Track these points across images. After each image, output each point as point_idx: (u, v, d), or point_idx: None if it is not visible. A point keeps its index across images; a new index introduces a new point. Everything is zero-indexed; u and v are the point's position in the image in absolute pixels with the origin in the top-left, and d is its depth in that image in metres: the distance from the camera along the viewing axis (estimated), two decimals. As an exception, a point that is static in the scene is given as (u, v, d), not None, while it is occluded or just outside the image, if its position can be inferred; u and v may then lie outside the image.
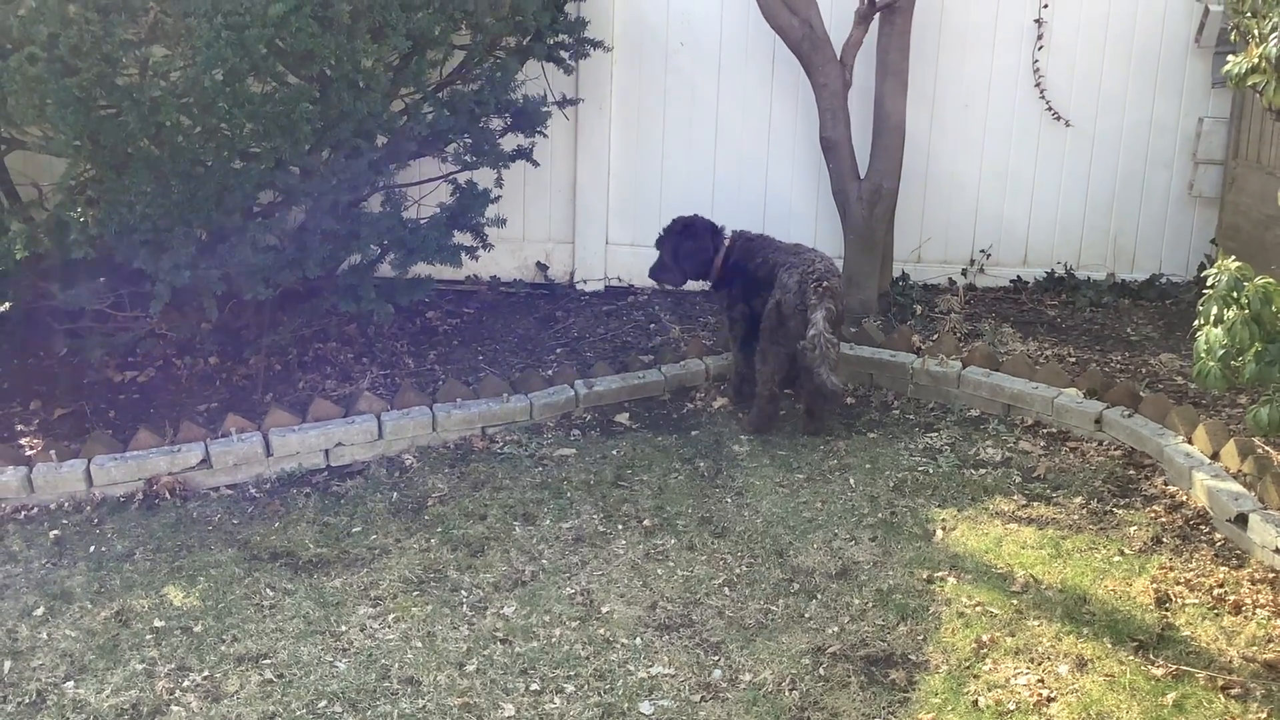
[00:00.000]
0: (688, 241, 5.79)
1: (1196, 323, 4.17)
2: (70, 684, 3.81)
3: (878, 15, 6.67)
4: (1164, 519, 4.69)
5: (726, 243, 5.79)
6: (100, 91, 4.59)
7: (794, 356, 5.36)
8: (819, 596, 4.26)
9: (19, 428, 5.46)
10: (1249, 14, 5.12)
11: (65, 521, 4.78)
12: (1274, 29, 4.57)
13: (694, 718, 3.64)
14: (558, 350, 6.44)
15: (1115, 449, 5.25)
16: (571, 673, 3.85)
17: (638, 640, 4.02)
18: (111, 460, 4.98)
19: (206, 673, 3.86)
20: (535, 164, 6.45)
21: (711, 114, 7.27)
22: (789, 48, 6.76)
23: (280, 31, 4.78)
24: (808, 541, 4.61)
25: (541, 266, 7.51)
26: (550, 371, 6.00)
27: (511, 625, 4.10)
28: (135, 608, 4.21)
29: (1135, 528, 4.63)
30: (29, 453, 5.14)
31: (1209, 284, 4.05)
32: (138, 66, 4.77)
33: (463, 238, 5.89)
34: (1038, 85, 7.14)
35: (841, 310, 5.45)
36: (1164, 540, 4.54)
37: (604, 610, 4.19)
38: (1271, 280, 3.96)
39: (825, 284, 5.30)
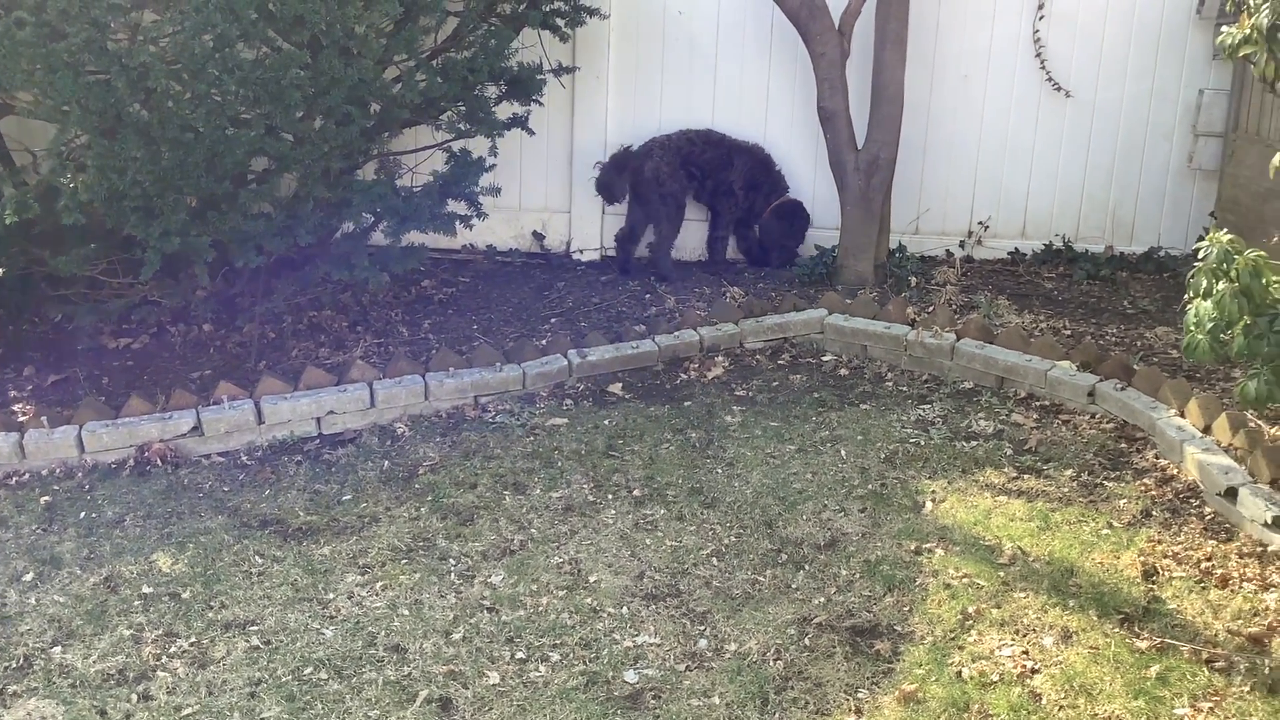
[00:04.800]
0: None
1: (1187, 295, 4.15)
2: (58, 649, 3.83)
3: (877, -16, 6.63)
4: (1154, 492, 4.68)
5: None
6: (89, 56, 4.57)
7: None
8: (807, 567, 4.26)
9: (12, 393, 5.47)
10: (1244, -15, 5.07)
11: (56, 487, 4.79)
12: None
13: (678, 687, 3.65)
14: (552, 320, 6.43)
15: (1108, 422, 5.25)
16: (557, 641, 3.86)
17: (624, 610, 4.03)
18: (103, 426, 4.98)
19: (194, 639, 3.87)
20: (531, 132, 6.41)
21: (709, 82, 7.23)
22: (786, 16, 6.72)
23: (270, -3, 4.77)
24: (797, 513, 4.61)
25: (538, 236, 7.50)
26: (544, 341, 5.98)
27: (499, 594, 4.11)
28: (124, 574, 4.22)
29: (1125, 501, 4.63)
30: (21, 418, 5.15)
31: (1199, 257, 4.03)
32: (127, 31, 4.75)
33: (457, 206, 5.86)
34: (1038, 55, 7.08)
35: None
36: (1153, 514, 4.54)
37: (591, 579, 4.19)
38: (1262, 254, 3.95)
39: None
